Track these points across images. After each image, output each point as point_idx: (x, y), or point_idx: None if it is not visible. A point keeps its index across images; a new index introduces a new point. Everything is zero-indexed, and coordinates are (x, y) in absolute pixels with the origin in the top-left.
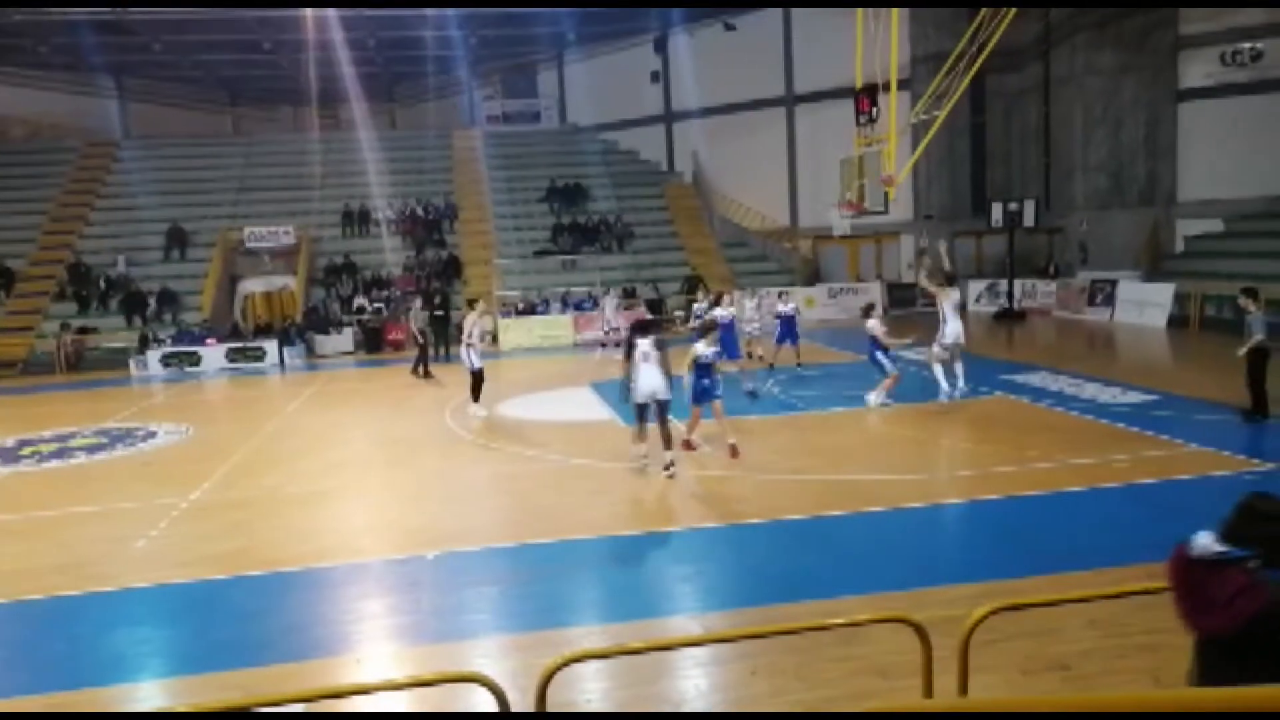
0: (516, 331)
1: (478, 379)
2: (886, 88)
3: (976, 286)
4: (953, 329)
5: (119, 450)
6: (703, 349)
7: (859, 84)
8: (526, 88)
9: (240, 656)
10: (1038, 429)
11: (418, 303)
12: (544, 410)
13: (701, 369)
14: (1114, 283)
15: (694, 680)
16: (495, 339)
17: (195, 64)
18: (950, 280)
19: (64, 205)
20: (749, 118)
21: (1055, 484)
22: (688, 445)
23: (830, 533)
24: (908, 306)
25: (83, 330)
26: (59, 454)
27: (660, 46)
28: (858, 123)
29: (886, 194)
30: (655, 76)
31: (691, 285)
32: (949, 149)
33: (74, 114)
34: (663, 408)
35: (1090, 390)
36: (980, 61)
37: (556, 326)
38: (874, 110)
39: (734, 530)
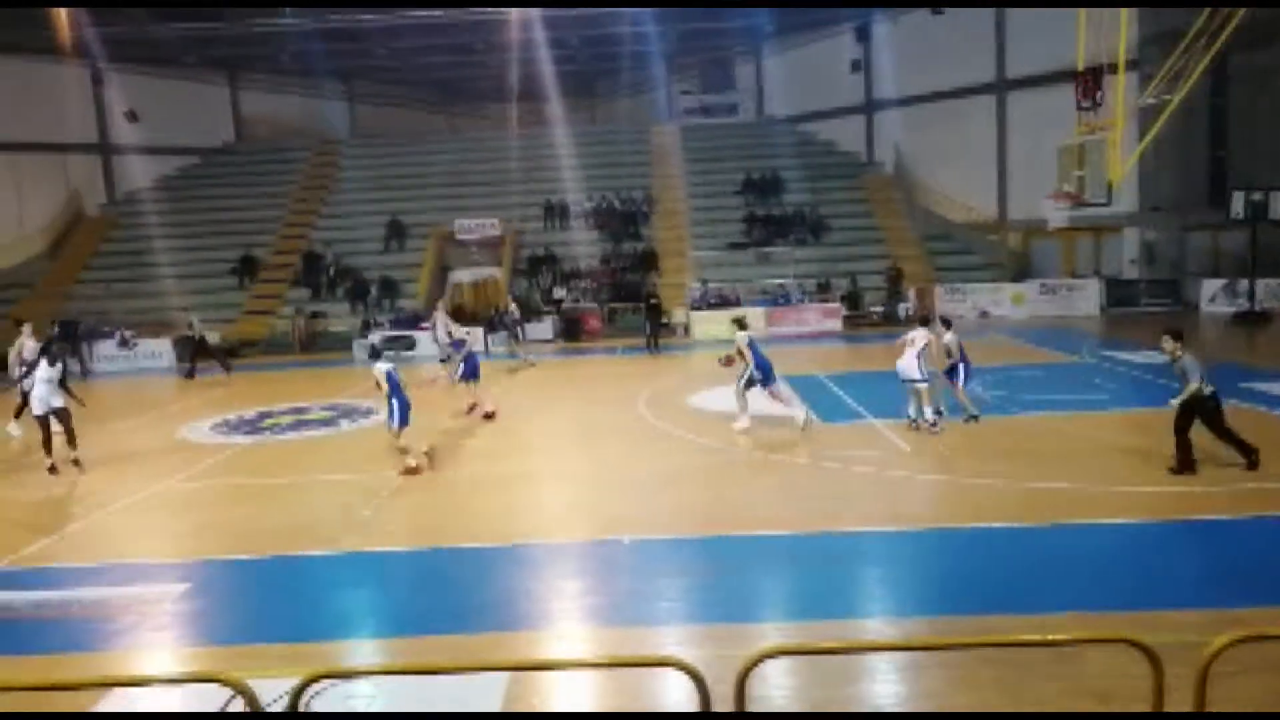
0: (709, 324)
1: (26, 400)
2: (1112, 69)
3: (1211, 286)
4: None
5: (345, 425)
6: (460, 333)
7: (1081, 66)
8: (723, 80)
9: (450, 623)
10: None
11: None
12: (733, 403)
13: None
14: None
15: (892, 685)
16: (688, 330)
17: (415, 67)
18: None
19: (300, 200)
20: (956, 105)
21: None
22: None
23: (1037, 543)
24: (1130, 305)
25: (314, 314)
26: (294, 426)
27: (862, 35)
28: (1079, 107)
29: (1109, 184)
30: (856, 65)
31: (893, 278)
32: (1183, 134)
33: (308, 116)
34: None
35: None
36: (1223, 38)
37: (749, 319)
38: (1098, 94)
39: (931, 534)
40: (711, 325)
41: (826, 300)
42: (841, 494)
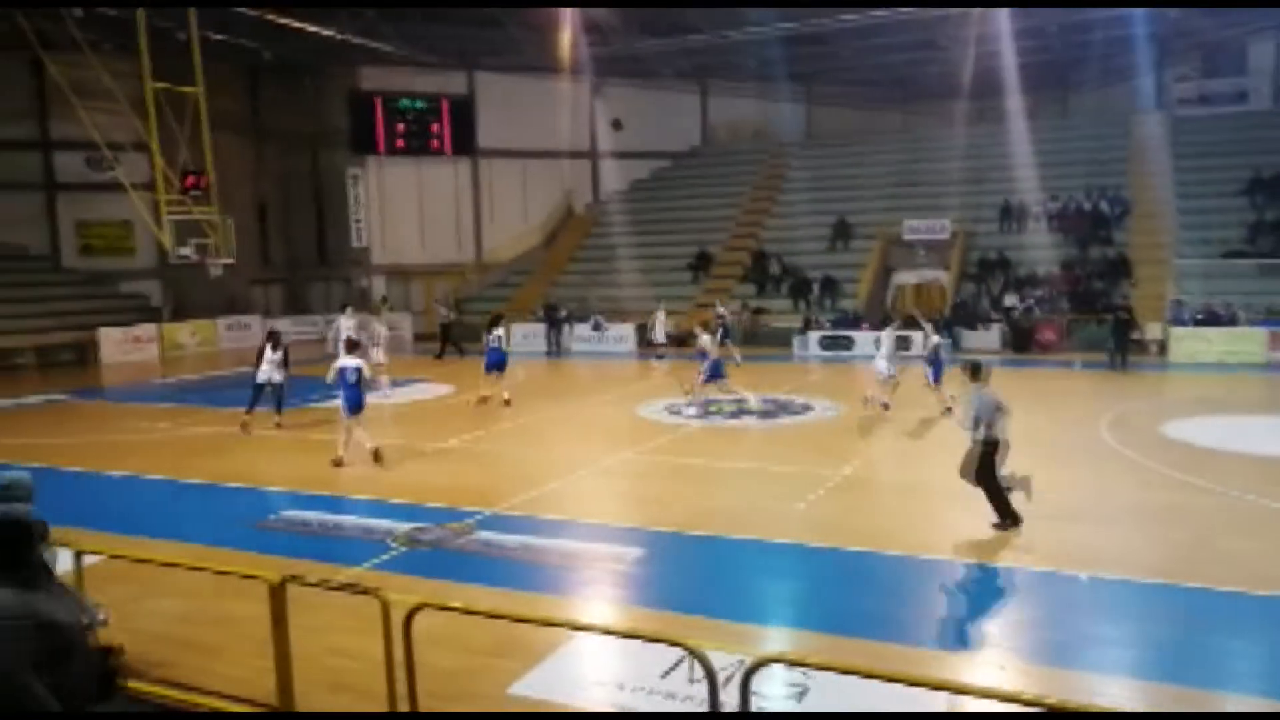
0: (1191, 342)
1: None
2: None
3: None
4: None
5: (782, 419)
6: (346, 362)
7: None
8: (1233, 64)
9: (876, 629)
10: None
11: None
12: (1228, 437)
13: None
14: None
15: None
16: (1164, 349)
17: (871, 66)
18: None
19: (753, 199)
20: None
21: None
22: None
23: None
24: None
25: (758, 310)
26: (736, 415)
27: None
28: None
29: None
30: None
31: None
32: None
33: (767, 120)
34: None
35: None
36: None
37: (1242, 341)
38: None
39: None
40: (1195, 344)
41: None
42: None
